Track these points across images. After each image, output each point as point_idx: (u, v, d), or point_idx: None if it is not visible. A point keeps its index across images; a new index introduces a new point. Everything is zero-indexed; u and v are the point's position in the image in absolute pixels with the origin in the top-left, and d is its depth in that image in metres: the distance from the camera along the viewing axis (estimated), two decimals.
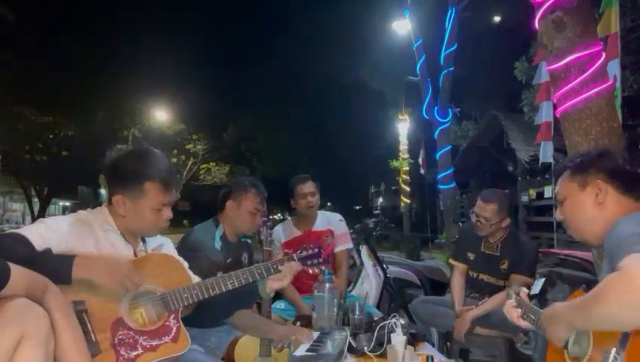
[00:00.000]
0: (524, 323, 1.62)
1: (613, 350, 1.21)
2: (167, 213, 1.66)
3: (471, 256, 2.93)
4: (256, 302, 2.21)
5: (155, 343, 1.53)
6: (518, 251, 2.75)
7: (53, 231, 1.46)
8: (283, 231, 3.11)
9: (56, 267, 1.30)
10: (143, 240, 1.75)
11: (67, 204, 34.24)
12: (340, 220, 3.23)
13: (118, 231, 1.63)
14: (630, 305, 1.06)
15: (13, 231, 1.41)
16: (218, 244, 2.32)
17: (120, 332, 1.47)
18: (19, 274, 1.09)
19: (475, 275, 2.92)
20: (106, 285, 1.41)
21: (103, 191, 22.55)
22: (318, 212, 3.16)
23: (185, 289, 1.60)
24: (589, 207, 1.43)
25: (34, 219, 20.16)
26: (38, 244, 1.39)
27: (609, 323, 1.15)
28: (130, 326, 1.50)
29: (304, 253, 1.95)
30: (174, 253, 1.82)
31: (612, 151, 1.53)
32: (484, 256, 2.87)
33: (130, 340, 1.49)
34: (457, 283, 2.93)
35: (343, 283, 3.06)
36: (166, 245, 1.82)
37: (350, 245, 3.26)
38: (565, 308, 1.30)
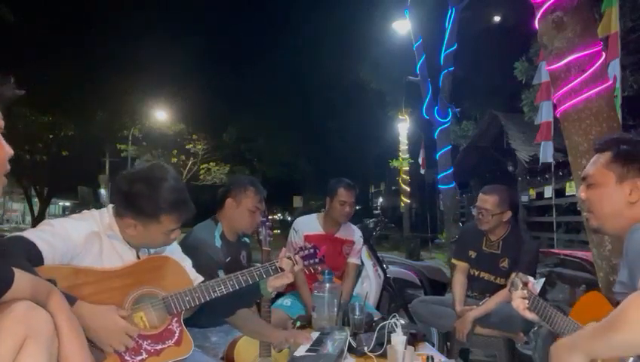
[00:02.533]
0: (530, 315, 1.56)
1: (631, 359, 1.18)
2: (177, 233, 1.67)
3: (472, 254, 2.93)
4: (256, 301, 2.21)
5: (158, 347, 1.53)
6: (518, 250, 2.75)
7: (62, 238, 1.44)
8: (307, 224, 3.10)
9: None
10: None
11: (67, 204, 34.27)
12: (360, 236, 3.24)
13: (121, 238, 1.62)
14: None
15: (20, 235, 1.39)
16: (218, 242, 2.33)
17: None
18: (23, 279, 1.09)
19: (476, 274, 2.92)
20: (96, 341, 1.39)
21: (102, 191, 22.58)
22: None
23: (187, 293, 1.60)
24: (618, 202, 1.38)
25: (34, 219, 20.16)
26: (46, 251, 1.38)
27: (632, 349, 1.08)
28: None
29: (300, 253, 1.95)
30: (178, 254, 1.81)
31: None
32: (486, 254, 2.87)
33: (134, 345, 1.48)
34: (459, 283, 2.92)
35: (348, 292, 3.04)
36: (169, 247, 1.81)
37: (360, 262, 3.31)
38: (582, 337, 1.20)
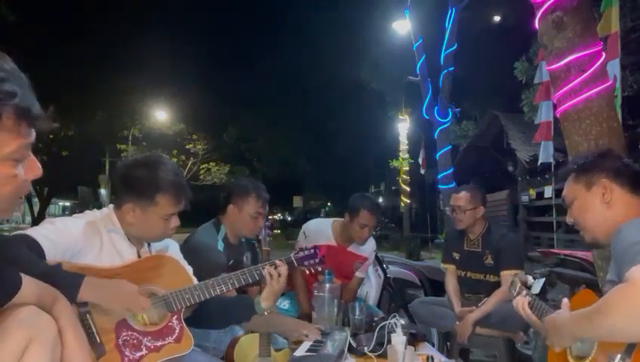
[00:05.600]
0: (533, 318, 1.59)
1: (618, 356, 1.20)
2: (175, 222, 1.68)
3: (456, 255, 2.98)
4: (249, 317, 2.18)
5: (159, 344, 1.54)
6: (498, 244, 2.79)
7: (63, 234, 1.46)
8: (319, 233, 2.89)
9: (63, 285, 1.29)
10: (148, 242, 1.75)
11: (67, 204, 34.28)
12: (374, 251, 3.08)
13: (122, 232, 1.64)
14: (635, 318, 1.06)
15: (22, 232, 1.41)
16: (221, 246, 2.32)
17: (124, 333, 1.48)
18: (30, 284, 1.11)
19: (463, 274, 2.95)
20: (112, 310, 1.43)
21: (102, 191, 22.57)
22: None
23: (186, 290, 1.62)
24: (597, 207, 1.42)
25: (34, 219, 20.17)
26: (48, 248, 1.39)
27: (615, 334, 1.14)
28: (134, 327, 1.51)
29: (300, 254, 1.95)
30: (179, 256, 1.82)
31: (615, 151, 1.53)
32: (468, 253, 2.92)
33: (135, 341, 1.50)
34: (452, 286, 2.96)
35: (350, 299, 2.96)
36: (171, 247, 1.82)
37: (364, 276, 3.12)
38: (570, 319, 1.30)
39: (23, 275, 1.10)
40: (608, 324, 1.12)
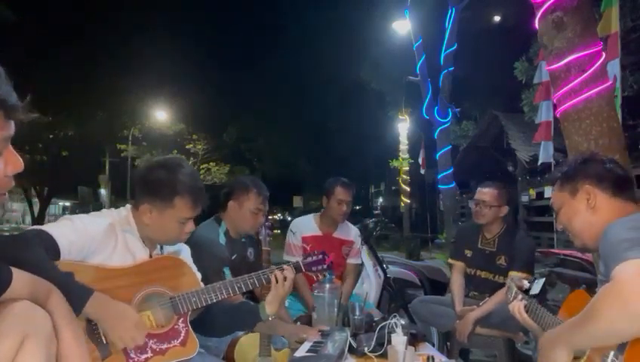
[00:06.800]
0: (529, 321, 1.59)
1: (612, 353, 1.21)
2: (190, 226, 1.68)
3: (468, 253, 2.96)
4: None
5: (164, 346, 1.54)
6: (515, 246, 2.78)
7: (80, 234, 1.46)
8: (304, 225, 3.08)
9: (71, 296, 1.28)
10: (161, 245, 1.75)
11: (67, 204, 34.23)
12: (359, 235, 3.21)
13: (137, 233, 1.64)
14: (625, 315, 1.07)
15: (39, 228, 1.40)
16: (223, 239, 2.35)
17: None
18: (22, 279, 1.10)
19: (472, 272, 2.93)
20: (107, 334, 1.41)
21: (102, 191, 22.57)
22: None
23: (194, 293, 1.61)
24: (583, 213, 1.46)
25: (34, 219, 20.15)
26: (63, 246, 1.39)
27: (608, 337, 1.15)
28: None
29: (309, 259, 1.95)
30: (190, 260, 1.81)
31: (597, 156, 1.56)
32: (482, 252, 2.90)
33: (142, 344, 1.49)
34: (457, 283, 2.93)
35: (347, 293, 3.00)
36: (183, 251, 1.82)
37: (360, 261, 3.28)
38: (562, 330, 1.30)
39: (14, 269, 1.09)
40: (599, 328, 1.12)
